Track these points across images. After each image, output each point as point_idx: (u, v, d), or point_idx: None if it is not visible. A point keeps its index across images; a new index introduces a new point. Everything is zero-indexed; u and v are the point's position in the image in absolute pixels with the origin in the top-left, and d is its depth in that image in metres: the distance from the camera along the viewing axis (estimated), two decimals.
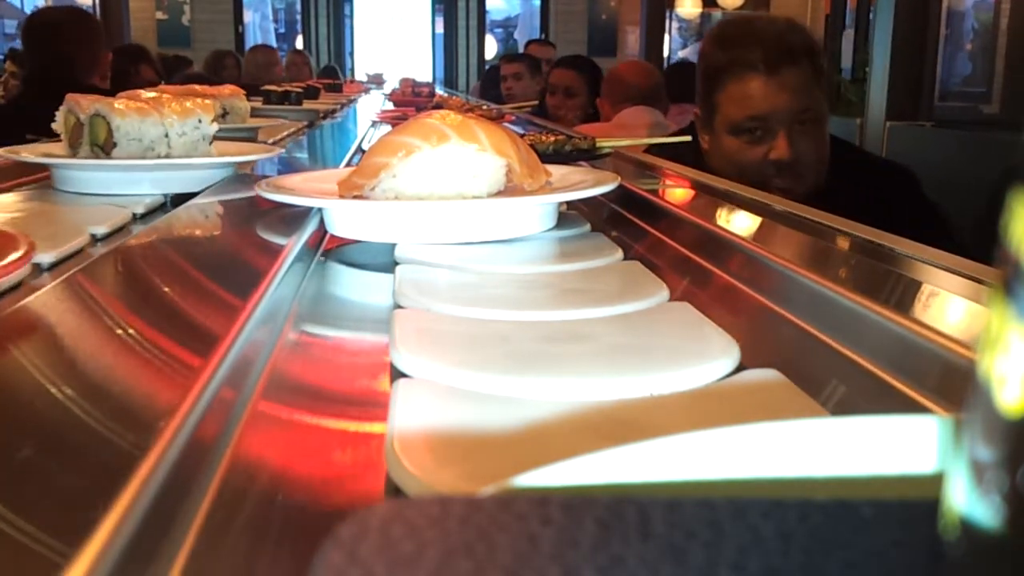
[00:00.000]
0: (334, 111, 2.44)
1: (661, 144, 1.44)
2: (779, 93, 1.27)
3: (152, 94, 0.95)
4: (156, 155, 0.88)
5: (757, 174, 1.26)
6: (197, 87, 1.32)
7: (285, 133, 1.55)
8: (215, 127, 0.93)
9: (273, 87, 2.22)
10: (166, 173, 0.88)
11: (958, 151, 2.65)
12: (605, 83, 3.00)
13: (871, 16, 3.47)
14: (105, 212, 0.74)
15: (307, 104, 2.25)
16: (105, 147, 0.88)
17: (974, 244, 1.32)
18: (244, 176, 0.95)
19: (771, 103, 1.27)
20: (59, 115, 0.92)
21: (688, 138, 1.39)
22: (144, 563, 0.24)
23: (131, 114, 0.87)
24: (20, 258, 0.49)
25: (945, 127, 3.25)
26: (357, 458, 0.35)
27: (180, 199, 0.82)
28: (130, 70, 3.05)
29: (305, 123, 1.84)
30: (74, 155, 0.90)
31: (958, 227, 1.38)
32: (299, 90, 2.32)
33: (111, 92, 1.00)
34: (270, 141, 1.35)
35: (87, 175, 0.88)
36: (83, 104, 0.89)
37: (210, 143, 0.92)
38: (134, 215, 0.77)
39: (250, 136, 1.36)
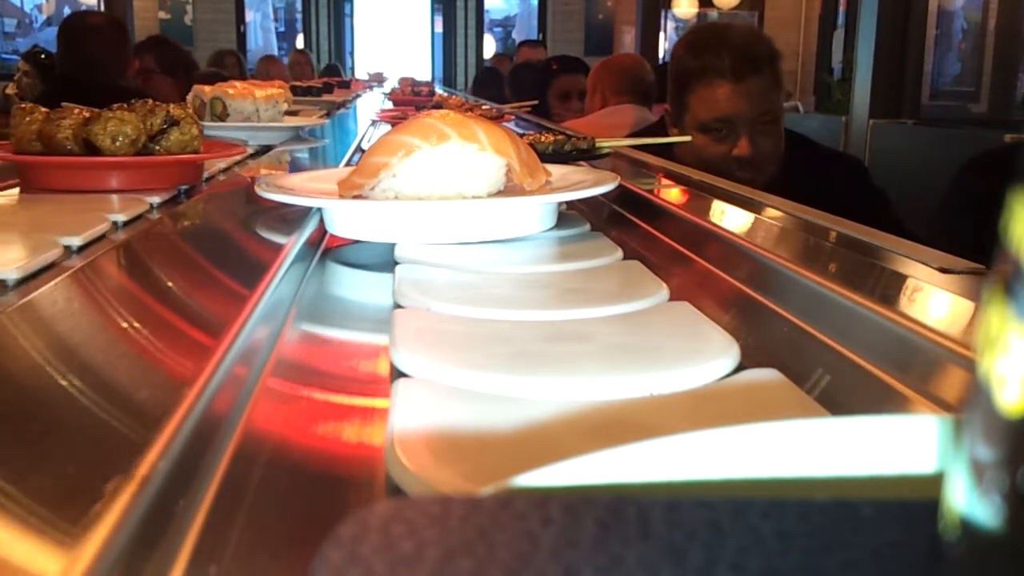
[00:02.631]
0: (345, 102, 3.05)
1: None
2: (743, 99, 1.44)
3: (245, 84, 1.51)
4: (251, 122, 1.44)
5: (722, 165, 1.41)
6: (255, 82, 1.75)
7: (317, 115, 2.05)
8: (286, 106, 1.53)
9: (298, 83, 2.95)
10: (257, 133, 1.43)
11: (939, 148, 2.68)
12: (603, 74, 2.98)
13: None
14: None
15: (325, 97, 2.96)
16: (221, 117, 1.42)
17: (939, 231, 1.58)
18: (299, 137, 1.54)
19: (736, 107, 1.44)
20: (188, 98, 1.43)
21: (688, 138, 1.42)
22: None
23: (238, 97, 1.43)
24: (240, 148, 1.01)
25: (927, 125, 3.31)
26: (357, 459, 0.35)
27: (265, 148, 1.38)
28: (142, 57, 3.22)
29: (325, 111, 2.30)
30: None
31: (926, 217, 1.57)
32: (319, 86, 3.22)
33: (137, 89, 1.35)
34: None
35: (213, 133, 1.27)
36: (206, 90, 1.45)
37: (282, 115, 1.50)
38: (250, 155, 1.23)
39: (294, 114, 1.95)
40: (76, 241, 0.56)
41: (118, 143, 0.80)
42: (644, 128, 2.02)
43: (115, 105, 0.83)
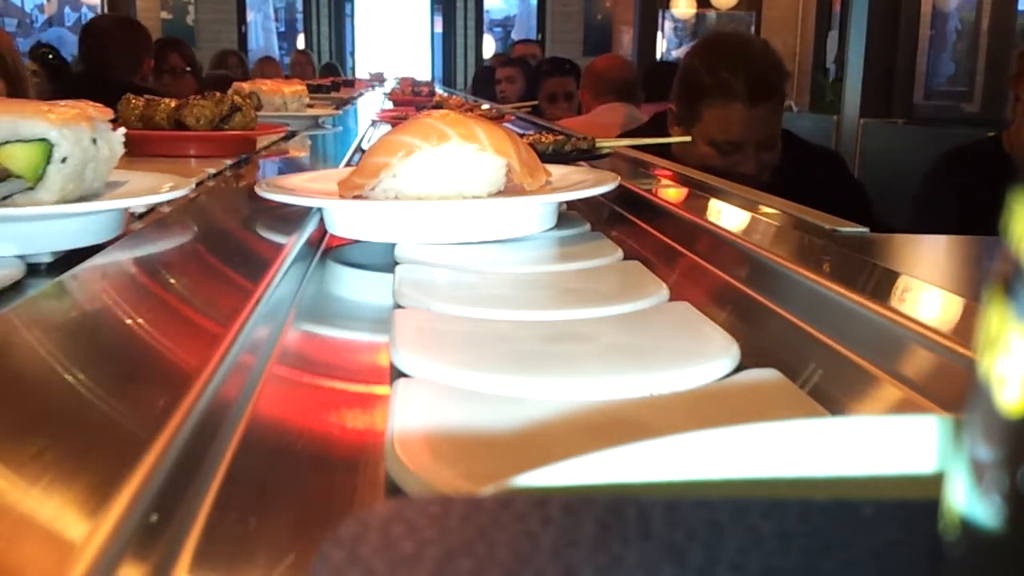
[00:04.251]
0: (352, 99, 3.41)
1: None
2: (755, 124, 1.49)
3: (275, 82, 1.86)
4: (281, 112, 1.75)
5: (722, 173, 1.44)
6: (282, 80, 2.04)
7: (331, 108, 2.34)
8: (307, 100, 1.88)
9: (309, 81, 3.18)
10: (286, 120, 1.67)
11: (929, 148, 2.70)
12: (585, 77, 3.24)
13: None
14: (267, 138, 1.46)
15: (333, 95, 3.36)
16: (256, 108, 1.56)
17: (919, 215, 1.86)
18: (317, 124, 1.87)
19: (747, 132, 1.49)
20: (229, 92, 1.58)
21: (688, 138, 1.42)
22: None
23: (270, 93, 1.77)
24: (281, 128, 1.42)
25: (918, 125, 3.34)
26: (357, 459, 0.35)
27: (291, 134, 1.62)
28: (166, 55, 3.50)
29: (335, 106, 2.58)
30: None
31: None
32: (328, 84, 3.77)
33: (151, 88, 1.49)
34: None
35: None
36: (244, 87, 1.68)
37: (305, 107, 1.86)
38: (281, 137, 1.51)
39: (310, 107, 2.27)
40: (192, 182, 0.81)
41: (200, 122, 1.15)
42: (635, 128, 2.05)
43: (191, 96, 1.18)
